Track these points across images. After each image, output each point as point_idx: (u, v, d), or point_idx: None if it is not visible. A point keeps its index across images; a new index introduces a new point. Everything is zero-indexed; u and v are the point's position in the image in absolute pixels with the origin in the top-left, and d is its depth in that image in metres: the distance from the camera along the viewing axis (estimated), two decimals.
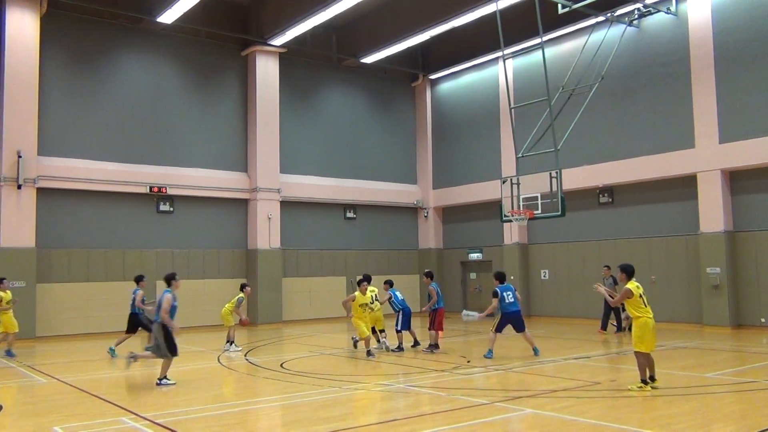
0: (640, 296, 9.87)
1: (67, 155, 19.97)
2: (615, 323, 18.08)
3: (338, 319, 23.17)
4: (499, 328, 13.87)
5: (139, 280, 15.50)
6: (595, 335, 17.65)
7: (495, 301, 13.90)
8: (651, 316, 9.88)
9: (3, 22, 18.75)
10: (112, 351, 15.15)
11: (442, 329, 15.00)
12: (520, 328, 13.94)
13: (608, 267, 18.20)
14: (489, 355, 13.56)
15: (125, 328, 15.34)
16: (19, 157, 18.46)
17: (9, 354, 15.26)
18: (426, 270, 16.89)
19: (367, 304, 14.35)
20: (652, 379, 9.99)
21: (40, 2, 19.10)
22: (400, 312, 15.27)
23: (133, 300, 15.15)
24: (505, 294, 13.89)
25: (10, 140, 18.52)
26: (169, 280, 11.53)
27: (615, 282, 16.93)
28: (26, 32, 18.90)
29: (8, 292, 15.64)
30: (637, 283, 10.01)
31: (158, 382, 11.00)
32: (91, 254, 20.18)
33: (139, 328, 15.25)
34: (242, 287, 16.20)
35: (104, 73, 20.90)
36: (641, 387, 9.82)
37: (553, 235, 22.60)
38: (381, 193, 26.24)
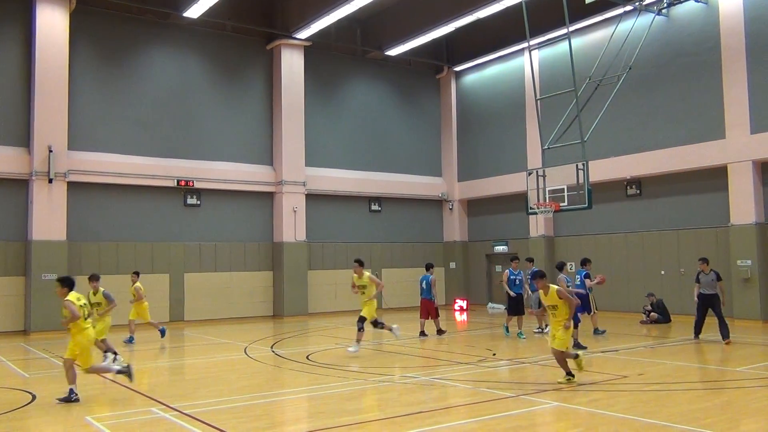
0: None
1: (97, 149, 20.27)
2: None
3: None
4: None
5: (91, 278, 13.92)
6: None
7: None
8: None
9: (34, 19, 19.09)
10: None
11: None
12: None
13: (706, 260, 14.54)
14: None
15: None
16: (50, 151, 18.79)
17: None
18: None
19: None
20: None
21: None
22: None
23: None
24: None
25: (41, 135, 18.86)
26: None
27: (719, 277, 14.18)
28: (56, 28, 19.19)
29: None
30: None
31: None
32: (121, 247, 20.49)
33: None
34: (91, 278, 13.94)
35: (132, 68, 21.16)
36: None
37: (580, 227, 22.40)
38: (406, 185, 26.21)
